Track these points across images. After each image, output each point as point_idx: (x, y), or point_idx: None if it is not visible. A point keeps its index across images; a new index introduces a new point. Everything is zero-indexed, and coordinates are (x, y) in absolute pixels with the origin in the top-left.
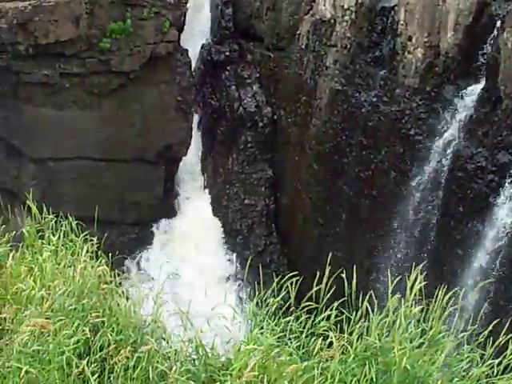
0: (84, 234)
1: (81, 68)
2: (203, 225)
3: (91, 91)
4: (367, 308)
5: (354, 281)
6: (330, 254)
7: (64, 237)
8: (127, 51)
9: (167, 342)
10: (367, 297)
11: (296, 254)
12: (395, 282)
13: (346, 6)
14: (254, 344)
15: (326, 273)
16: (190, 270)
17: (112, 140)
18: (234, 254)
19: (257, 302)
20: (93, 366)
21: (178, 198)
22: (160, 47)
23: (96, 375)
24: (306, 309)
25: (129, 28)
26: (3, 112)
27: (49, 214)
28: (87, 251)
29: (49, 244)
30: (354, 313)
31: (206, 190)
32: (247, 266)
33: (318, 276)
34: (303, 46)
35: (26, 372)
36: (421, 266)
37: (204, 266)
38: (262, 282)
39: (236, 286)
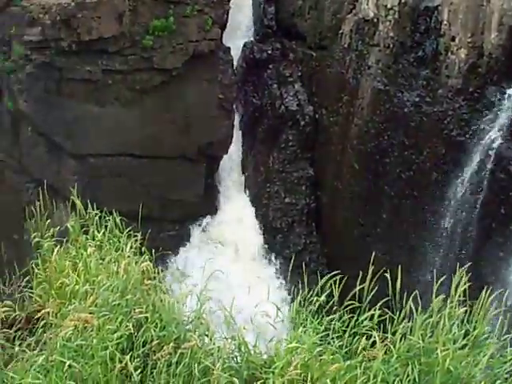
0: (128, 229)
1: (123, 65)
2: (243, 223)
3: (133, 88)
4: (409, 308)
5: (399, 281)
6: (373, 254)
7: (108, 232)
8: (170, 48)
9: (210, 339)
10: (411, 297)
11: (336, 253)
12: (439, 282)
13: (389, 6)
14: (296, 342)
15: (369, 272)
16: (230, 268)
17: (153, 137)
18: (274, 253)
19: (299, 301)
20: (136, 361)
21: (218, 196)
22: (202, 45)
23: (139, 371)
24: (348, 308)
25: (171, 25)
26: (46, 108)
27: (91, 210)
28: (131, 247)
29: (93, 239)
30: (397, 313)
31: (247, 189)
32: (291, 265)
33: (360, 276)
34: (346, 45)
35: (70, 366)
36: (463, 267)
37: (244, 263)
38: (303, 281)
39: (276, 284)
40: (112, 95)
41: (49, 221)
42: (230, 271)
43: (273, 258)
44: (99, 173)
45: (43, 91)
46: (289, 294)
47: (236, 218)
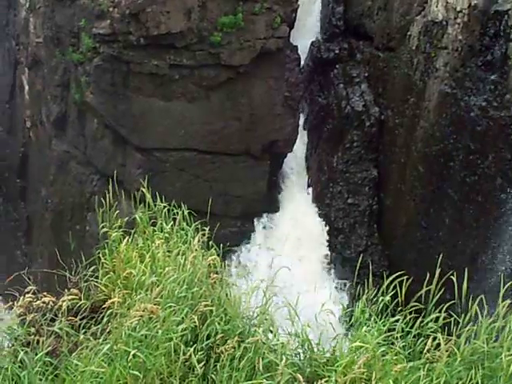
0: (196, 222)
1: (191, 60)
2: (305, 222)
3: (200, 84)
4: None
5: (465, 285)
6: (439, 257)
7: (175, 226)
8: (237, 45)
9: (274, 335)
10: (476, 301)
11: (397, 255)
12: (505, 287)
13: (458, 8)
14: (359, 342)
15: (436, 275)
16: (290, 266)
17: (218, 133)
18: (335, 253)
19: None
20: (199, 354)
21: (281, 194)
22: (270, 42)
23: (202, 363)
24: (411, 310)
25: (240, 22)
26: (112, 101)
27: (154, 203)
28: (198, 241)
29: (161, 231)
30: (462, 316)
31: (310, 188)
32: (358, 266)
33: (422, 278)
34: (413, 47)
35: (134, 356)
36: None
37: (304, 262)
38: (364, 282)
39: (336, 284)
40: (178, 90)
41: (117, 212)
42: (291, 269)
43: (333, 258)
44: (163, 167)
45: (110, 84)
46: (349, 295)
47: (298, 217)
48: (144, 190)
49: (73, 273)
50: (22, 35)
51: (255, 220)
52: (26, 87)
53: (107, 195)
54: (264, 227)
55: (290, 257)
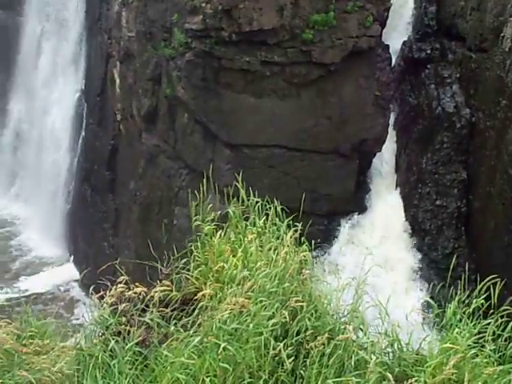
0: (289, 218)
1: (282, 57)
2: (392, 222)
3: (291, 81)
4: None
5: None
6: None
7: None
8: (329, 43)
9: (365, 334)
10: None
11: (484, 259)
12: None
13: None
14: (450, 343)
15: None
16: (376, 266)
17: (308, 131)
18: (421, 254)
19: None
20: (289, 349)
21: (369, 194)
22: (362, 41)
23: (291, 359)
24: (502, 314)
25: (332, 20)
26: (203, 96)
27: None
28: (290, 237)
29: (253, 226)
30: None
31: (398, 188)
32: (450, 268)
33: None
34: (506, 49)
35: (224, 349)
36: None
37: (390, 263)
38: (451, 284)
39: (422, 285)
40: (269, 87)
41: (210, 205)
42: (376, 269)
43: (420, 260)
44: (252, 163)
45: (201, 79)
46: (438, 296)
47: (385, 217)
48: (238, 185)
49: (163, 265)
50: (115, 29)
51: (343, 219)
52: (118, 81)
53: (198, 189)
54: (351, 226)
55: (376, 256)
